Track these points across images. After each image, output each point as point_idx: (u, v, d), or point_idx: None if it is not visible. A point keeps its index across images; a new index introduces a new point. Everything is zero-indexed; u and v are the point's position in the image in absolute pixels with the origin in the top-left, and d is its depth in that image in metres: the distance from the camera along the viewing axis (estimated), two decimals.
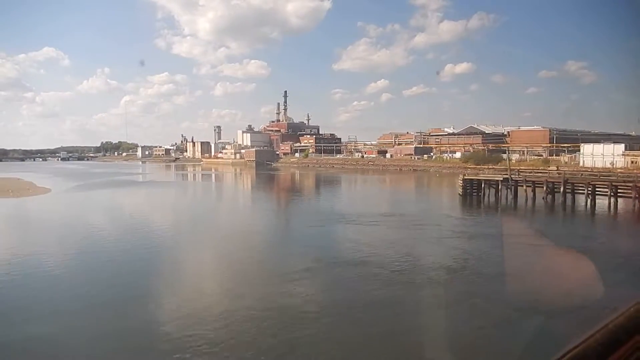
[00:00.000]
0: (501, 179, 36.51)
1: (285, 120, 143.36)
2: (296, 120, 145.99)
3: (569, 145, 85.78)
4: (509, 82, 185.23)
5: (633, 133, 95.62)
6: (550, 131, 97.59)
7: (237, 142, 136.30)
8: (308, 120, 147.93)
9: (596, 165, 61.68)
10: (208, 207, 43.07)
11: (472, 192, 38.33)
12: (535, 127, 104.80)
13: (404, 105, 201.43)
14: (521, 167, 60.43)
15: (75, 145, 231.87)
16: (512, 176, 36.76)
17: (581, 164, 67.08)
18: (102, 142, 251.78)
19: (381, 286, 14.59)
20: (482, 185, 37.68)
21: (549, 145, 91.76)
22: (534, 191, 35.86)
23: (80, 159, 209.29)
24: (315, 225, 27.53)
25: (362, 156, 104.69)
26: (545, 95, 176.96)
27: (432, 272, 16.24)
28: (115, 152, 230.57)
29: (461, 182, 38.24)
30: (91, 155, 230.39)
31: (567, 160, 75.75)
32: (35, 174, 77.72)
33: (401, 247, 20.62)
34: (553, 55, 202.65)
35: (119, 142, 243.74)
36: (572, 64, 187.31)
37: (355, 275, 15.79)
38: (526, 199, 35.53)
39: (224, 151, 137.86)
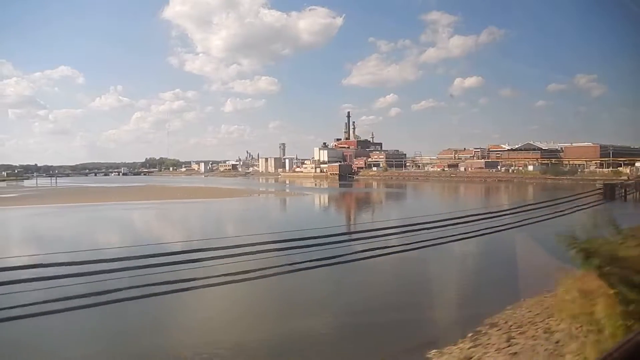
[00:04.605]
0: (633, 182, 54.35)
1: (354, 138, 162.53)
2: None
3: (625, 159, 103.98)
4: (518, 95, 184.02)
5: None
6: (601, 147, 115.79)
7: (315, 158, 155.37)
8: (372, 137, 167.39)
9: None
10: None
11: (607, 193, 56.20)
12: (586, 143, 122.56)
13: (413, 120, 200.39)
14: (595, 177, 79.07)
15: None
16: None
17: None
18: (147, 158, 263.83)
19: None
20: (615, 188, 55.62)
21: (606, 159, 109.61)
22: None
23: (136, 174, 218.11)
24: None
25: (443, 169, 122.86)
26: (554, 108, 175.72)
27: None
28: (171, 168, 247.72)
29: (601, 185, 56.04)
30: (145, 170, 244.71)
31: (628, 171, 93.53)
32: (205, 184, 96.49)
33: None
34: (562, 68, 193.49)
35: (160, 158, 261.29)
36: (582, 77, 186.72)
37: None
38: None
39: (303, 166, 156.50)
